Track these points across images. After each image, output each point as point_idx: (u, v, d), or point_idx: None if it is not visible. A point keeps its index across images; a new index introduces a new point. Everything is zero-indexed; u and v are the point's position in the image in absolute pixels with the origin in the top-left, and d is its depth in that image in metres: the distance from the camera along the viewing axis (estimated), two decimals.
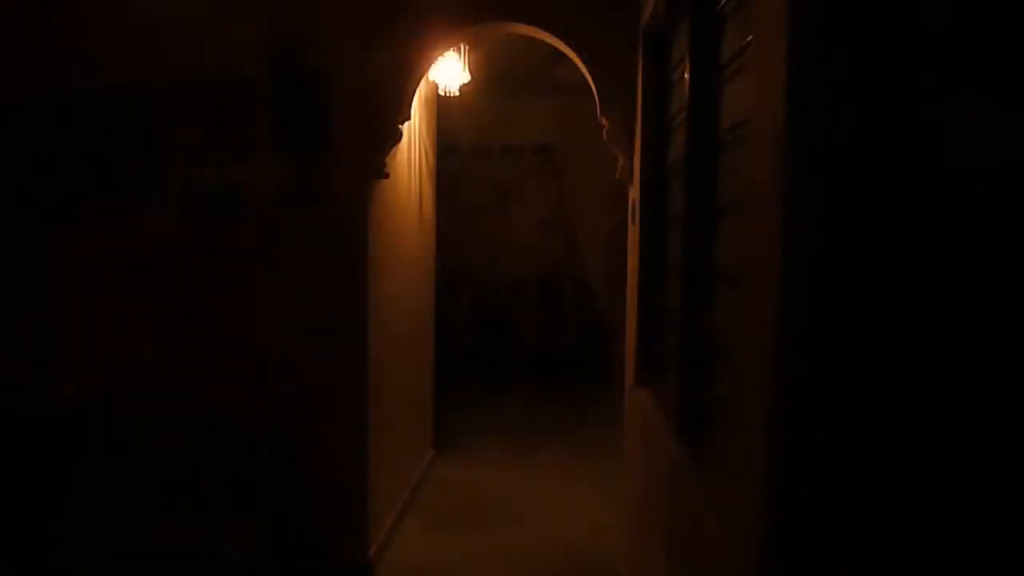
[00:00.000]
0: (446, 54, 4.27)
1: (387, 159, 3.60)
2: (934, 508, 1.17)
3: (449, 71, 4.64)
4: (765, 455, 1.26)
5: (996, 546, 1.17)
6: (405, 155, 4.18)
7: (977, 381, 1.17)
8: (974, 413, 1.17)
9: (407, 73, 3.52)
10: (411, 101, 3.66)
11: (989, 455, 1.17)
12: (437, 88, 4.92)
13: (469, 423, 6.23)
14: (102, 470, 3.50)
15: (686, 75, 2.30)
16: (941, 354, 1.17)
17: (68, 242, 3.54)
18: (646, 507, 2.83)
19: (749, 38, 1.63)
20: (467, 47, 4.74)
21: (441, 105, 5.36)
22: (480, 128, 7.43)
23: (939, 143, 1.16)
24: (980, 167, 1.16)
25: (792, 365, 1.19)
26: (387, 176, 3.65)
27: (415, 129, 4.42)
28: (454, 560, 3.87)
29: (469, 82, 4.90)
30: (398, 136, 3.60)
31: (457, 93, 4.90)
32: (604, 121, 3.61)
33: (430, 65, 3.78)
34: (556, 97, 7.25)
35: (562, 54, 3.75)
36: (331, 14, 3.46)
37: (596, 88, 3.58)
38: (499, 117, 7.54)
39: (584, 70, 3.62)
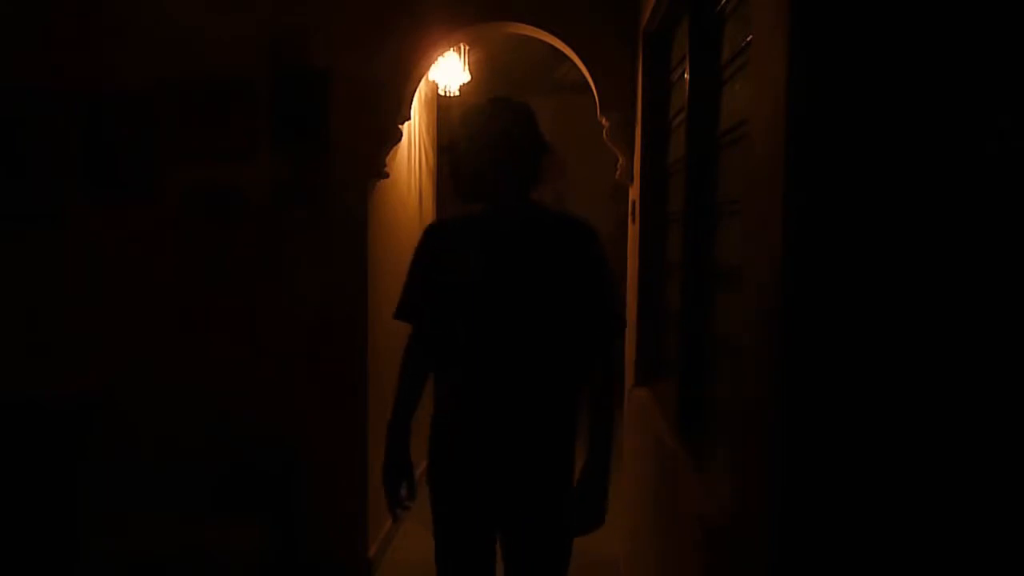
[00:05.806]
0: (446, 54, 4.27)
1: (387, 159, 3.60)
2: (939, 508, 1.17)
3: (449, 71, 4.64)
4: (766, 455, 1.26)
5: (999, 544, 1.18)
6: (405, 155, 4.18)
7: (980, 380, 1.17)
8: (977, 412, 1.17)
9: (407, 73, 3.53)
10: (411, 101, 3.67)
11: (992, 454, 1.17)
12: (437, 88, 4.92)
13: None
14: (101, 469, 3.50)
15: (686, 75, 2.30)
16: (942, 353, 1.17)
17: (68, 241, 3.55)
18: (646, 507, 2.83)
19: (749, 38, 1.63)
20: (467, 47, 4.74)
21: (441, 105, 5.35)
22: None
23: (940, 142, 1.16)
24: (981, 165, 1.16)
25: (792, 365, 1.19)
26: (387, 176, 3.65)
27: (415, 129, 4.42)
28: None
29: (469, 82, 4.90)
30: (398, 136, 3.60)
31: (457, 93, 4.89)
32: (604, 121, 3.61)
33: (430, 65, 3.78)
34: (556, 97, 7.24)
35: (562, 54, 3.75)
36: (331, 13, 3.47)
37: (596, 88, 3.59)
38: None
39: (584, 70, 3.62)
